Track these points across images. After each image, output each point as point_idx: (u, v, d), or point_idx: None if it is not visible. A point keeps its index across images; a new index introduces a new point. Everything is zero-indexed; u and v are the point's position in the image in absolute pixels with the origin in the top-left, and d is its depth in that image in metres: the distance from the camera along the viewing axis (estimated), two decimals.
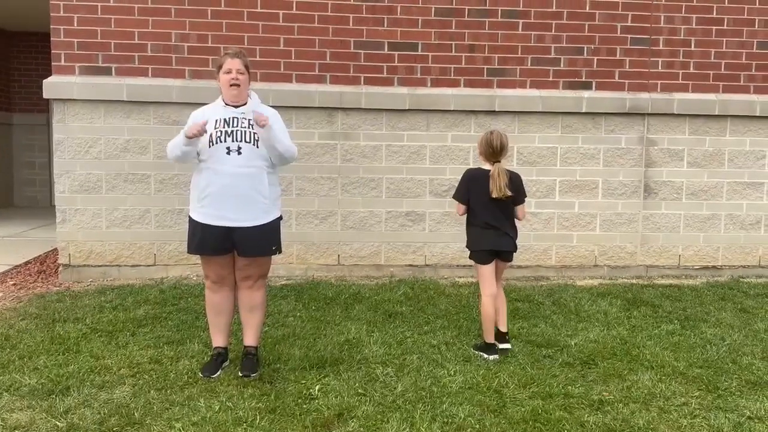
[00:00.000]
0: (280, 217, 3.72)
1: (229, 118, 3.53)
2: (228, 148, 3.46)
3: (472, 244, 4.09)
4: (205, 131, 3.41)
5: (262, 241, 3.59)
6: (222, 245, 3.55)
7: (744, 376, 3.74)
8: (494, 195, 3.91)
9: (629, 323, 4.71)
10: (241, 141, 3.48)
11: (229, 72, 3.51)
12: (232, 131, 3.49)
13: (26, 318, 4.59)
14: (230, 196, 3.48)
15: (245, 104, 3.59)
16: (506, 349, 4.04)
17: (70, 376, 3.55)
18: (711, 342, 4.31)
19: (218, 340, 3.74)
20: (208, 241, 3.54)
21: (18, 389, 3.40)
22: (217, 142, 3.47)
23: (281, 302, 5.08)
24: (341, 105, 5.94)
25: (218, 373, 3.62)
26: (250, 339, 3.72)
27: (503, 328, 4.11)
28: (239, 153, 3.47)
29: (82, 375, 3.58)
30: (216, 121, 3.52)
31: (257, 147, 3.52)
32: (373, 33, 5.97)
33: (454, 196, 4.11)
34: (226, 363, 3.74)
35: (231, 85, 3.51)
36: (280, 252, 3.73)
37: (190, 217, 3.62)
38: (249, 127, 3.52)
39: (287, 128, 3.78)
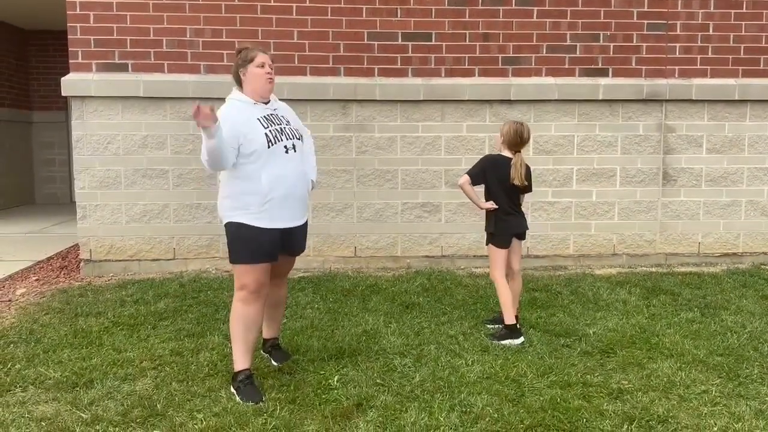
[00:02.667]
0: None
1: (269, 116, 3.34)
2: (285, 147, 3.28)
3: (498, 229, 4.16)
4: (214, 115, 3.00)
5: (305, 236, 3.55)
6: (278, 248, 3.34)
7: (765, 363, 3.70)
8: (516, 182, 4.06)
9: (648, 312, 4.68)
10: (292, 138, 3.34)
11: (262, 66, 3.33)
12: (281, 129, 3.34)
13: (49, 312, 4.67)
14: (295, 197, 3.33)
15: (269, 101, 3.45)
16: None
17: (94, 369, 3.61)
18: (731, 329, 4.26)
19: (247, 361, 3.33)
20: (274, 245, 3.30)
21: (43, 382, 3.46)
22: (275, 142, 3.25)
23: (299, 294, 5.12)
24: (355, 97, 5.94)
25: (262, 393, 3.31)
26: (276, 331, 3.76)
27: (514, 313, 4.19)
28: (294, 150, 3.34)
29: (105, 368, 3.64)
30: (260, 120, 3.28)
31: (302, 141, 3.45)
32: (386, 24, 5.95)
33: (468, 172, 4.18)
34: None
35: (268, 81, 3.35)
36: None
37: (242, 224, 3.24)
38: (288, 124, 3.41)
39: (301, 121, 3.75)
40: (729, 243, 6.36)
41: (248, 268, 3.26)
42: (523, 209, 4.28)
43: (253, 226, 3.24)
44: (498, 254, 4.16)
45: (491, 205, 4.14)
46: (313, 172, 3.63)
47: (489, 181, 4.14)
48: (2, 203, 9.73)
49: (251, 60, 3.34)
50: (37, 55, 10.50)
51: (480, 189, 4.19)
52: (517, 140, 4.08)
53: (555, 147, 6.14)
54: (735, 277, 5.70)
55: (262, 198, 3.22)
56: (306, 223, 3.52)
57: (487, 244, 4.25)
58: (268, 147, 3.22)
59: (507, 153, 4.12)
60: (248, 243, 3.25)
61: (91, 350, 3.91)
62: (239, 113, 3.28)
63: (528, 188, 4.19)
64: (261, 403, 3.19)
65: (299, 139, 3.42)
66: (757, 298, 5.02)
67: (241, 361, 3.31)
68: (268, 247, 3.27)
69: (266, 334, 3.75)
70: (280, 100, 3.61)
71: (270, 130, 3.27)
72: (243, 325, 3.30)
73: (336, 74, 5.97)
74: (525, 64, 6.08)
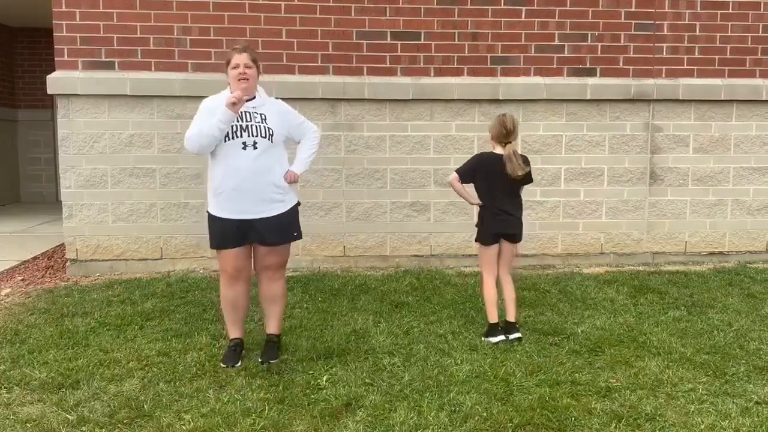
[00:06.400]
0: (298, 203, 3.78)
1: (242, 113, 3.53)
2: (244, 143, 3.49)
3: (480, 224, 4.17)
4: (242, 99, 3.44)
5: (283, 228, 3.65)
6: (242, 236, 3.57)
7: (751, 361, 3.74)
8: (519, 173, 3.98)
9: (636, 310, 4.71)
10: (257, 136, 3.51)
11: (236, 67, 3.52)
12: (247, 126, 3.52)
13: (35, 313, 4.62)
14: (247, 191, 3.50)
15: (254, 98, 3.61)
16: (517, 338, 4.04)
17: (80, 370, 3.58)
18: (718, 328, 4.30)
19: (235, 332, 3.76)
20: (228, 233, 3.56)
21: (28, 383, 3.43)
22: (233, 137, 3.49)
23: (288, 294, 5.09)
24: (344, 96, 5.93)
25: (239, 363, 3.65)
26: (272, 328, 3.78)
27: (511, 318, 4.11)
28: (255, 148, 3.50)
29: (92, 368, 3.61)
30: None
31: (272, 141, 3.56)
32: (375, 23, 5.94)
33: (457, 170, 4.17)
34: (243, 353, 3.78)
35: (240, 80, 3.51)
36: (301, 237, 3.79)
37: (208, 212, 3.64)
38: (263, 122, 3.55)
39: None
40: (715, 242, 6.41)
41: (221, 252, 3.62)
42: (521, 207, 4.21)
43: (212, 214, 3.61)
44: (482, 251, 4.18)
45: (479, 201, 4.14)
46: (300, 165, 3.75)
47: (479, 179, 4.12)
48: None
49: (228, 62, 3.59)
50: (23, 52, 10.37)
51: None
52: (502, 131, 4.02)
53: (543, 146, 6.16)
54: (721, 275, 5.74)
55: (216, 188, 3.55)
56: (276, 217, 3.60)
57: (476, 239, 4.24)
58: (225, 141, 3.49)
59: (498, 149, 4.08)
60: (210, 229, 3.64)
61: (77, 351, 3.88)
62: (215, 104, 3.54)
63: (529, 178, 4.13)
64: (231, 367, 3.58)
65: (267, 137, 3.54)
66: (743, 297, 5.07)
67: (229, 332, 3.78)
68: (227, 235, 3.56)
69: (267, 329, 3.82)
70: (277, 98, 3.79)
71: (233, 125, 3.50)
72: (228, 305, 3.71)
73: (325, 73, 5.95)
74: (514, 63, 6.09)
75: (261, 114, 3.58)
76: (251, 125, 3.53)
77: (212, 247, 3.66)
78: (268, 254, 3.67)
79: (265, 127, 3.55)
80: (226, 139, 3.49)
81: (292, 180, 3.66)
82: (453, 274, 5.80)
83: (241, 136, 3.49)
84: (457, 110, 6.06)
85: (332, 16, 5.89)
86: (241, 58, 3.52)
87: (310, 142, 3.83)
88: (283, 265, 3.78)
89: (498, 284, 4.19)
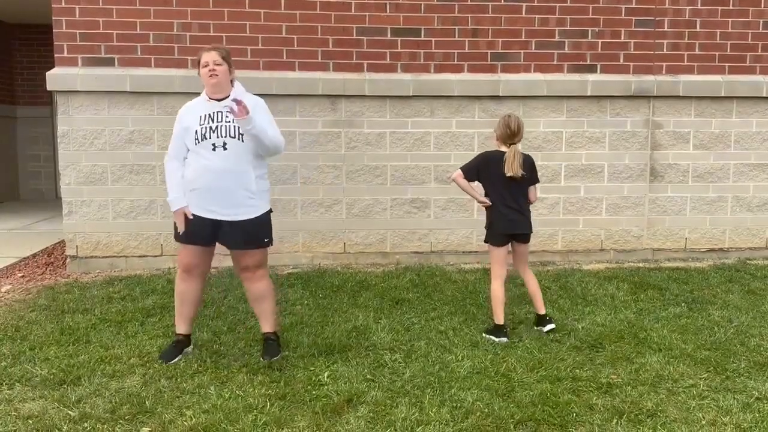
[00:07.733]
0: (270, 210, 3.73)
1: (213, 113, 3.54)
2: (213, 144, 3.49)
3: (489, 225, 4.17)
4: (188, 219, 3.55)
5: (252, 234, 3.61)
6: (208, 235, 3.60)
7: (752, 357, 3.74)
8: (508, 174, 3.98)
9: (636, 306, 4.71)
10: (225, 136, 3.50)
11: (206, 65, 3.55)
12: (216, 126, 3.51)
13: (36, 309, 4.62)
14: (216, 191, 3.51)
15: (227, 97, 3.57)
16: (551, 329, 4.10)
17: (81, 366, 3.58)
18: (718, 324, 4.30)
19: (180, 328, 3.78)
20: (195, 230, 3.58)
21: (30, 379, 3.43)
22: (202, 139, 3.51)
23: (288, 291, 5.10)
24: (344, 92, 5.92)
25: (177, 358, 3.67)
26: (266, 326, 3.76)
27: (541, 311, 4.17)
28: (225, 149, 3.49)
29: (93, 365, 3.61)
30: (200, 117, 3.55)
31: (242, 141, 3.52)
32: (375, 19, 5.93)
33: (462, 167, 4.16)
34: (189, 350, 3.79)
35: (210, 77, 3.53)
36: (272, 244, 3.75)
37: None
38: (233, 122, 3.52)
39: (290, 117, 3.79)
40: (715, 238, 6.42)
41: (180, 247, 3.70)
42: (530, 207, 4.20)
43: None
44: (493, 252, 4.14)
45: (486, 200, 4.13)
46: (257, 119, 3.47)
47: (483, 177, 4.12)
48: None
49: (198, 62, 3.62)
50: (22, 49, 10.34)
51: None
52: (507, 132, 4.03)
53: (544, 143, 6.16)
54: (721, 272, 5.75)
55: (188, 185, 3.59)
56: (244, 222, 3.56)
57: (485, 240, 4.22)
58: (195, 144, 3.53)
59: (503, 148, 4.08)
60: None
61: (78, 347, 3.88)
62: (187, 110, 3.66)
63: (532, 179, 4.13)
64: (166, 363, 3.60)
65: (237, 137, 3.51)
66: (743, 293, 5.07)
67: (176, 326, 3.80)
68: (194, 232, 3.59)
69: (261, 329, 3.80)
70: (267, 95, 3.66)
71: (202, 128, 3.53)
72: (178, 299, 3.75)
73: (325, 69, 5.94)
74: (514, 60, 6.09)
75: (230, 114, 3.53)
76: (221, 126, 3.51)
77: (175, 238, 3.69)
78: (241, 256, 3.67)
79: (234, 126, 3.51)
80: (197, 141, 3.51)
81: (237, 104, 3.35)
82: (453, 270, 5.80)
83: (210, 138, 3.50)
84: (457, 107, 6.06)
85: (332, 12, 5.88)
86: (209, 56, 3.55)
87: (276, 135, 3.61)
88: (260, 266, 3.70)
89: (509, 283, 4.21)
